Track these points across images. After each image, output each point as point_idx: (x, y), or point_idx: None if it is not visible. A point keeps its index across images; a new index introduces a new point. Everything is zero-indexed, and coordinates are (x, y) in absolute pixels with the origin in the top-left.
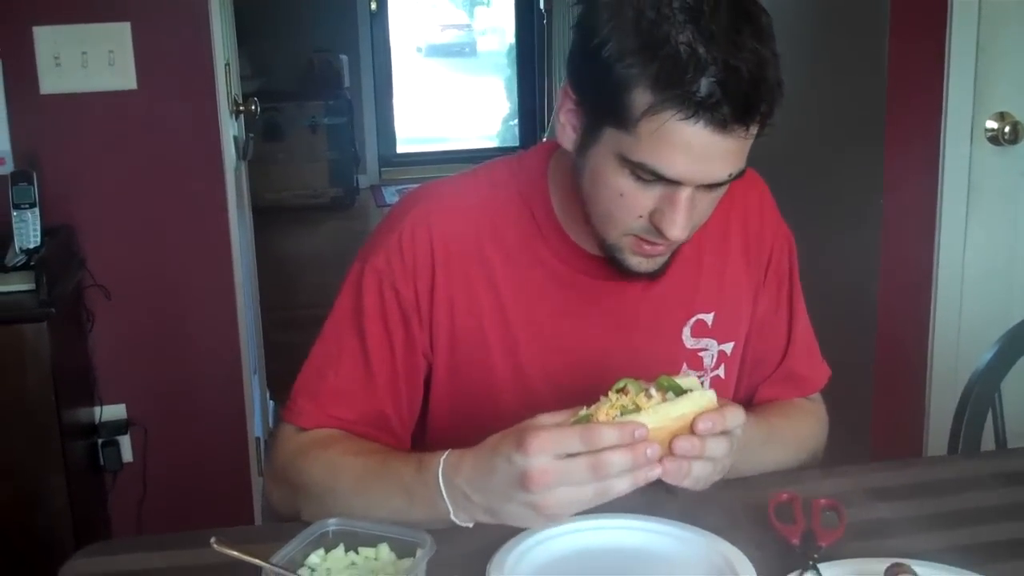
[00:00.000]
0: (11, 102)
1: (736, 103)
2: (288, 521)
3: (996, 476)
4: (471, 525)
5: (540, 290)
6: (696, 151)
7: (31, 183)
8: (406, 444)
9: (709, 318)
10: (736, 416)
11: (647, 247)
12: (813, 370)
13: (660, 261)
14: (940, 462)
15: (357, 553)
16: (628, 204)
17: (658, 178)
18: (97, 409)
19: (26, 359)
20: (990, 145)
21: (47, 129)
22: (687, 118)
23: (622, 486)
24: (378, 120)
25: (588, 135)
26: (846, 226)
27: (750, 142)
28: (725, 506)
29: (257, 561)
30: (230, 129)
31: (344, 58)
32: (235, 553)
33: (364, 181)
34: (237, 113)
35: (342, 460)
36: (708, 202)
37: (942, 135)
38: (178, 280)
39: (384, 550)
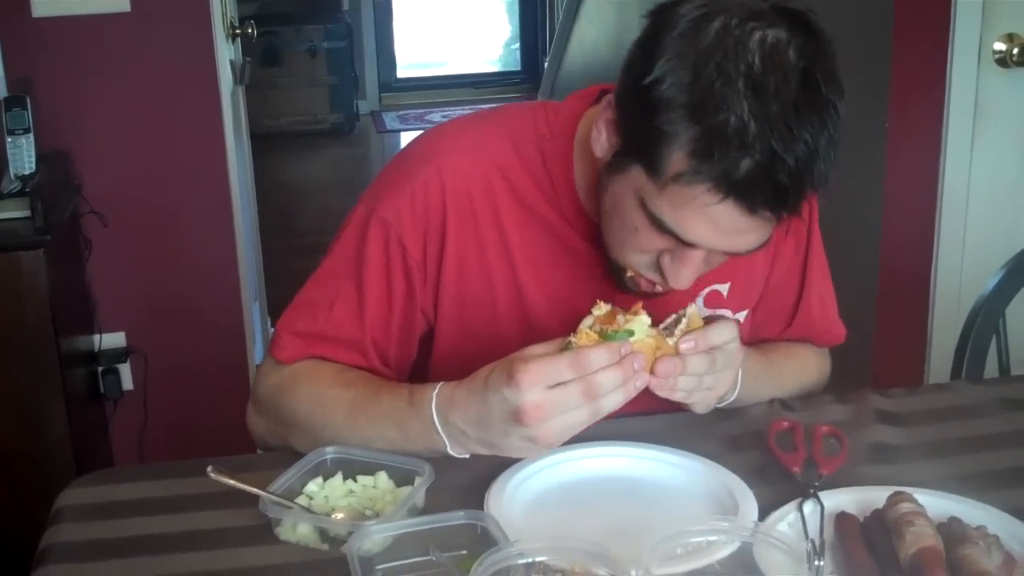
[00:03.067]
0: (3, 26)
1: (772, 193)
2: (270, 450)
3: (1000, 402)
4: (467, 456)
5: (553, 258)
6: (720, 227)
7: (25, 108)
8: None
9: (724, 288)
10: (722, 332)
11: (646, 284)
12: (826, 330)
13: (662, 291)
14: (943, 388)
15: (355, 481)
16: (639, 242)
17: (674, 236)
18: (96, 337)
19: (23, 287)
20: (998, 67)
21: (40, 53)
22: (717, 196)
23: (614, 401)
24: (378, 44)
25: (618, 160)
26: (850, 149)
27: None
28: (725, 434)
29: (254, 490)
30: (226, 53)
31: None
32: (232, 482)
33: (364, 107)
34: (234, 37)
35: (331, 392)
36: (721, 259)
37: (949, 57)
38: (176, 206)
39: (382, 478)
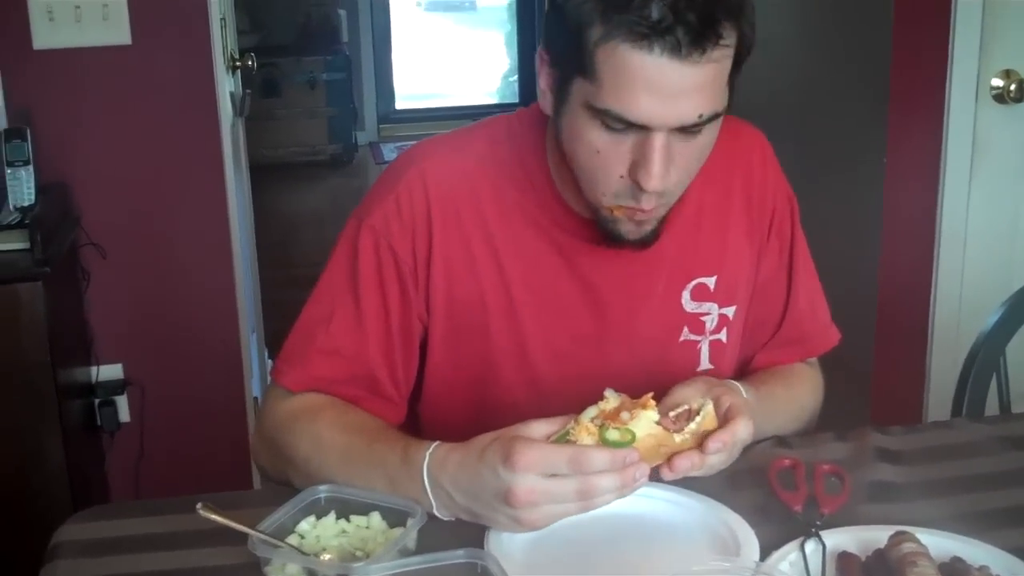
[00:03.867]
0: (4, 57)
1: (689, 25)
2: (279, 484)
3: (1001, 440)
4: (452, 519)
5: (538, 253)
6: (657, 86)
7: (25, 140)
8: (402, 410)
9: (711, 282)
10: (744, 431)
11: (637, 213)
12: (818, 333)
13: (649, 228)
14: (944, 426)
15: (348, 521)
16: (606, 161)
17: (627, 125)
18: (94, 369)
19: (21, 319)
20: (995, 103)
21: (41, 85)
22: (639, 45)
23: (607, 501)
24: (377, 76)
25: (560, 92)
26: (848, 185)
27: (720, 78)
28: (726, 472)
29: (243, 528)
30: (227, 85)
31: (342, 12)
32: (221, 519)
33: (363, 138)
34: (234, 69)
35: (328, 436)
36: (690, 154)
37: (947, 93)
38: (175, 238)
39: (376, 519)
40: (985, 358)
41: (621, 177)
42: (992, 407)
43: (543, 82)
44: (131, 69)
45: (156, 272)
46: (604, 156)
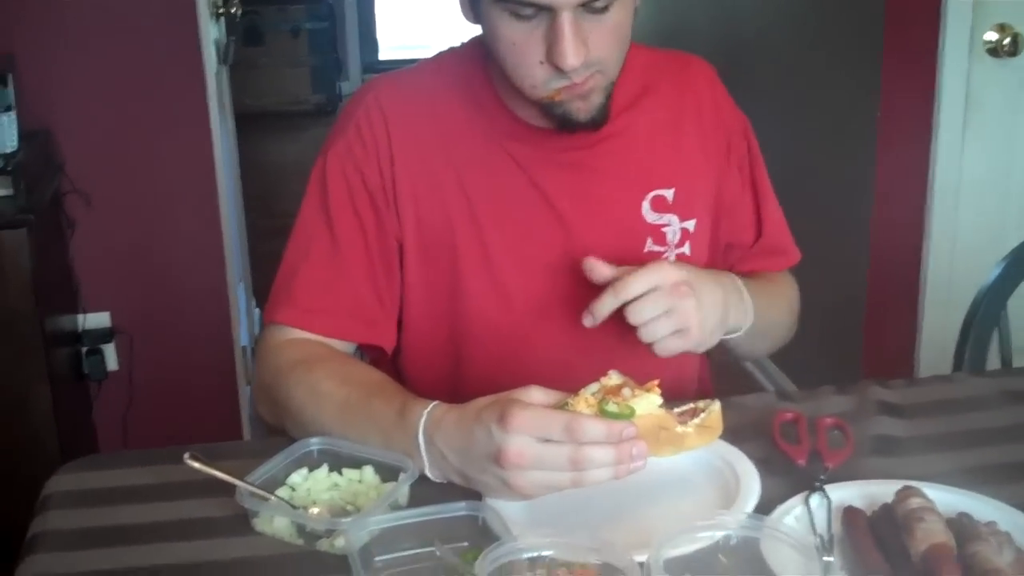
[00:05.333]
0: None
1: None
2: (277, 432)
3: (1003, 394)
4: (444, 482)
5: (495, 166)
6: None
7: (6, 85)
8: (391, 332)
9: (669, 194)
10: (642, 279)
11: (575, 88)
12: (791, 245)
13: (597, 103)
14: (945, 380)
15: (340, 474)
16: (524, 50)
17: (532, 7)
18: (80, 317)
19: (5, 266)
20: (989, 57)
21: (23, 30)
22: None
23: (601, 477)
24: (360, 25)
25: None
26: (841, 140)
27: None
28: (727, 424)
29: (232, 479)
30: (211, 31)
31: None
32: (209, 470)
33: (346, 88)
34: (218, 15)
35: (325, 387)
36: (604, 32)
37: (940, 47)
38: (161, 186)
39: (368, 472)
40: (986, 312)
41: (541, 63)
42: (993, 363)
43: None
44: (115, 14)
45: (142, 220)
46: (521, 47)
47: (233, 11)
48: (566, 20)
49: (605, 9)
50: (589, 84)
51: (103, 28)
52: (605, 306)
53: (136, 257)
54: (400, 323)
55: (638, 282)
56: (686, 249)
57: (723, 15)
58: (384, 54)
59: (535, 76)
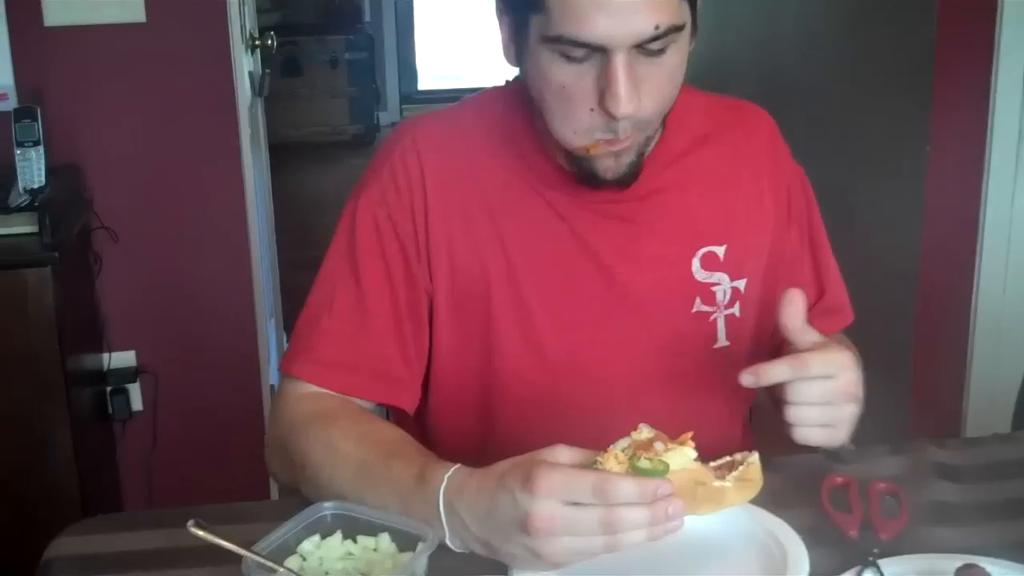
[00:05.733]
0: (14, 35)
1: None
2: (289, 491)
3: None
4: (465, 552)
5: (535, 215)
6: (606, 4)
7: (35, 120)
8: (415, 392)
9: (720, 251)
10: (828, 360)
11: (614, 144)
12: (847, 304)
13: (627, 162)
14: (1005, 440)
15: (355, 542)
16: (573, 96)
17: (584, 49)
18: (106, 356)
19: (28, 305)
20: None
21: (52, 64)
22: None
23: (636, 539)
24: (399, 56)
25: (519, 37)
26: (888, 174)
27: None
28: (770, 488)
29: (237, 548)
30: (244, 64)
31: None
32: (213, 539)
33: (385, 118)
34: (253, 48)
35: (342, 447)
36: (659, 76)
37: (992, 79)
38: (190, 222)
39: (385, 540)
40: None
41: (592, 111)
42: None
43: (504, 35)
44: (145, 48)
45: (170, 256)
46: (570, 91)
47: (269, 43)
48: (620, 63)
49: (661, 52)
50: (629, 142)
51: (133, 61)
52: (777, 375)
53: (163, 294)
54: (427, 379)
55: (820, 364)
56: (735, 310)
57: (765, 49)
58: (423, 84)
59: (581, 123)
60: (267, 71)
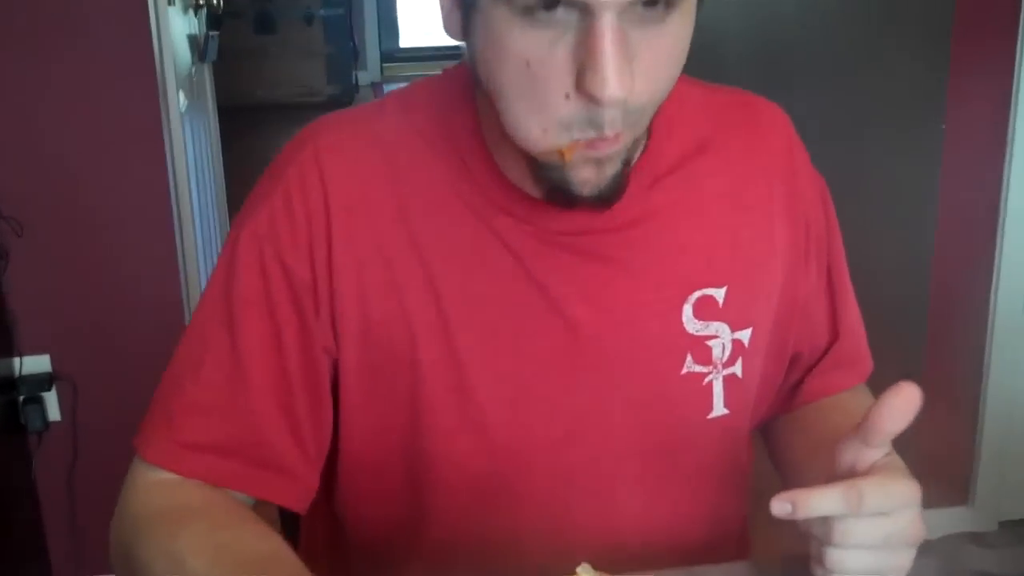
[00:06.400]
0: None
1: None
2: None
3: None
4: None
5: (477, 250)
6: None
7: None
8: (311, 483)
9: (719, 294)
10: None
11: (599, 146)
12: (866, 351)
13: (611, 173)
14: None
15: None
16: (542, 76)
17: (558, 6)
18: (16, 361)
19: None
20: None
21: None
22: None
23: None
24: (380, 10)
25: (468, 6)
26: (899, 152)
27: None
28: None
29: None
30: (171, 27)
31: None
32: None
33: (364, 78)
34: (197, 7)
35: (191, 564)
36: (657, 50)
37: (1018, 47)
38: (105, 210)
39: None
40: None
41: (567, 97)
42: None
43: (447, 1)
44: (48, 13)
45: (85, 250)
46: (537, 69)
47: (215, 3)
48: (608, 27)
49: (662, 17)
50: (618, 144)
51: (32, 26)
52: (823, 507)
53: (78, 290)
54: (334, 463)
55: (879, 498)
56: (737, 369)
57: (761, 18)
58: (406, 41)
59: (553, 114)
60: (214, 33)
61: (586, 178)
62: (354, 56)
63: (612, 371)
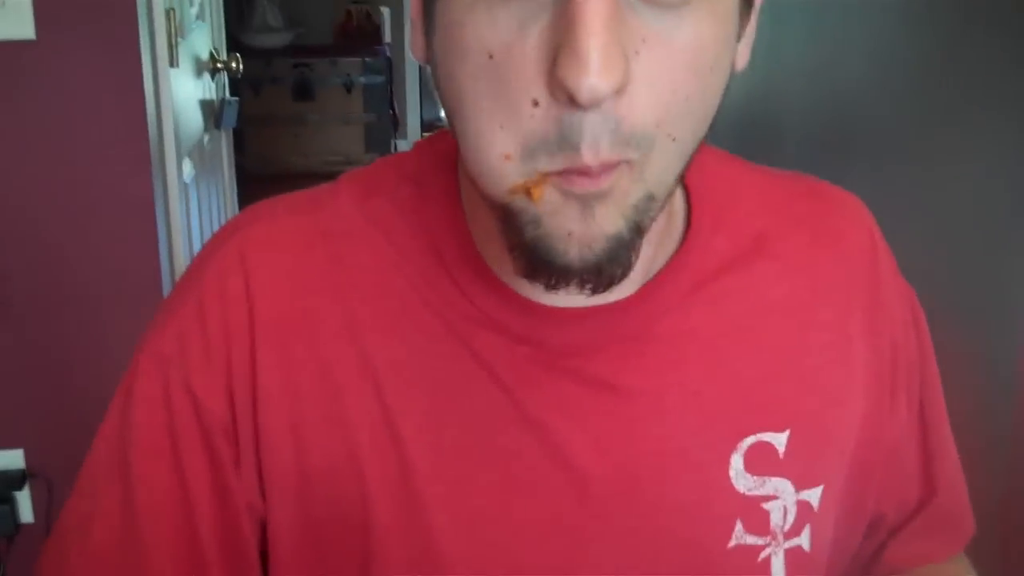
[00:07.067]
0: None
1: None
2: None
3: None
4: None
5: (453, 379)
6: None
7: None
8: None
9: (779, 440)
10: None
11: (575, 181)
12: (967, 511)
13: (604, 231)
14: None
15: None
16: (506, 70)
17: None
18: None
19: None
20: None
21: None
22: None
23: None
24: (421, 80)
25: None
26: (981, 228)
27: None
28: None
29: None
30: (173, 90)
31: (385, 11)
32: None
33: (404, 147)
34: (213, 71)
35: None
36: (672, 51)
37: None
38: (86, 290)
39: None
40: None
41: (535, 104)
42: None
43: (413, 11)
44: (36, 72)
45: (65, 333)
46: (502, 61)
47: (234, 66)
48: None
49: (678, 5)
50: (601, 180)
51: (18, 88)
52: None
53: (55, 379)
54: None
55: None
56: (803, 540)
57: (824, 74)
58: None
59: (518, 128)
60: (233, 98)
61: (567, 229)
62: (394, 125)
63: (633, 544)
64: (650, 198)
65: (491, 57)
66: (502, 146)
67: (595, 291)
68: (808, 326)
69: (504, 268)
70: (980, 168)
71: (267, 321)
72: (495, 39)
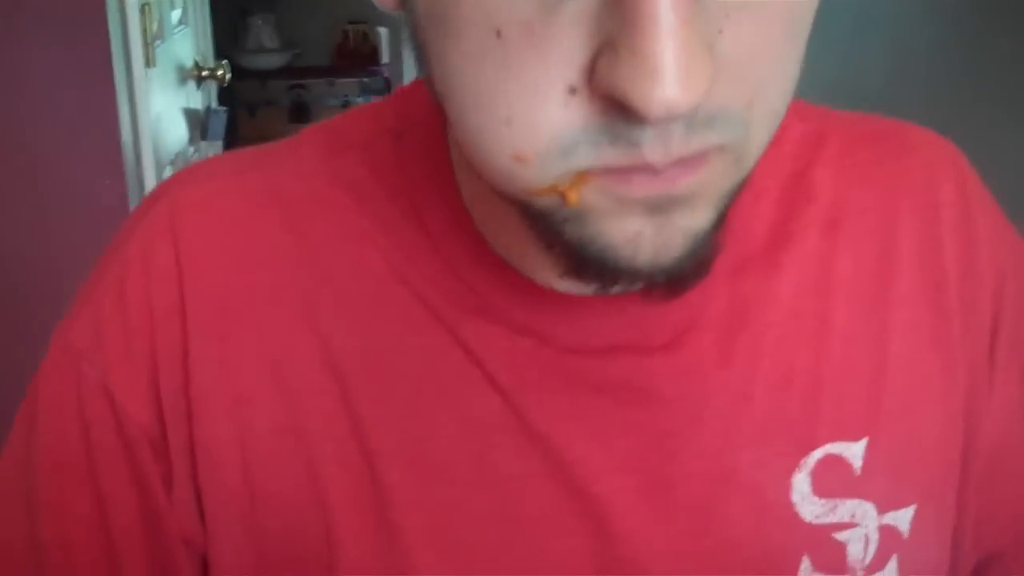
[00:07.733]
0: None
1: None
2: None
3: None
4: None
5: (437, 378)
6: None
7: None
8: None
9: (855, 451)
10: None
11: (633, 183)
12: None
13: (694, 226)
14: None
15: None
16: (520, 52)
17: None
18: None
19: None
20: None
21: None
22: None
23: None
24: None
25: None
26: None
27: None
28: None
29: None
30: (151, 96)
31: (383, 31)
32: None
33: None
34: (199, 79)
35: None
36: (759, 24)
37: None
38: (55, 306)
39: None
40: None
41: (572, 92)
42: None
43: None
44: None
45: (34, 348)
46: (516, 40)
47: (220, 73)
48: None
49: None
50: (685, 180)
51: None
52: None
53: (20, 396)
54: None
55: None
56: (891, 573)
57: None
58: None
59: (535, 130)
60: (221, 109)
61: (631, 230)
62: None
63: None
64: (743, 182)
65: (499, 35)
66: (512, 146)
67: (668, 297)
68: (883, 304)
69: (503, 240)
70: (1006, 167)
71: (203, 304)
72: (506, 14)
